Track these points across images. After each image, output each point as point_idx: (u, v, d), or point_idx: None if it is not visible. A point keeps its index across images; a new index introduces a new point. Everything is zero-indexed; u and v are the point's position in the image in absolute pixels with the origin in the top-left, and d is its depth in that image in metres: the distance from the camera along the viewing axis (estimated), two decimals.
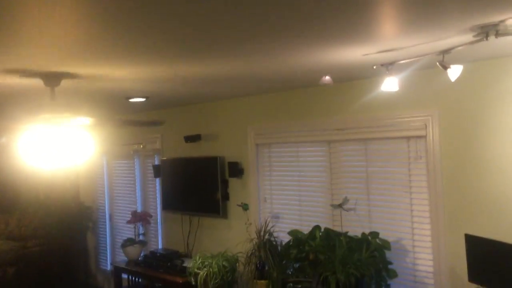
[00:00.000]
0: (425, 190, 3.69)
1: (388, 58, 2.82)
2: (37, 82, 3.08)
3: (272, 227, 4.44)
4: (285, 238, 4.33)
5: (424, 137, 3.66)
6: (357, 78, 3.90)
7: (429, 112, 3.61)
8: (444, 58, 2.51)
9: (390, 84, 2.80)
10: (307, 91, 4.38)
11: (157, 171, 5.76)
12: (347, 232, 3.91)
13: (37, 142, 3.02)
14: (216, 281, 4.44)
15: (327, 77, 3.00)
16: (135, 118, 5.42)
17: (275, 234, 4.43)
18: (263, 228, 4.38)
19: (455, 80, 2.60)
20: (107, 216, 6.79)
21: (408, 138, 3.79)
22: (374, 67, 2.88)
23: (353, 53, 2.81)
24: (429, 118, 3.61)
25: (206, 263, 4.57)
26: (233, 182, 5.04)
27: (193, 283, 4.59)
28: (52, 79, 3.05)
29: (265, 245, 4.29)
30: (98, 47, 2.47)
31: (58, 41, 2.30)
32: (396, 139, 3.86)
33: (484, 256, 3.17)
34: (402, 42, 2.55)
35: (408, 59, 2.75)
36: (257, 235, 4.39)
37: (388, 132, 3.88)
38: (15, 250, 6.19)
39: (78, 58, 2.69)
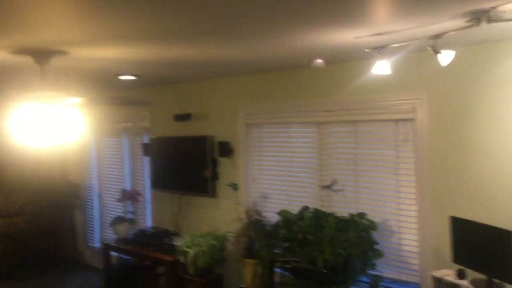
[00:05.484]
0: (412, 173, 3.76)
1: (380, 42, 2.83)
2: (27, 59, 3.03)
3: (261, 207, 4.49)
4: (274, 218, 4.38)
5: (413, 120, 3.70)
6: (347, 60, 3.91)
7: (418, 96, 3.65)
8: (436, 42, 2.53)
9: (381, 68, 2.82)
10: (297, 72, 4.38)
11: (147, 149, 5.76)
12: (335, 213, 3.97)
13: (27, 120, 2.99)
14: (206, 259, 4.49)
15: (319, 60, 3.02)
16: (125, 96, 5.36)
17: (264, 214, 4.49)
18: (253, 208, 4.43)
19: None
20: (95, 194, 6.79)
21: (397, 121, 3.83)
22: (366, 50, 2.89)
23: (345, 36, 2.81)
24: (418, 102, 3.65)
25: (196, 241, 4.61)
26: (223, 162, 5.07)
27: (183, 261, 4.64)
28: (42, 56, 3.00)
29: (254, 225, 4.34)
30: (89, 26, 2.44)
31: (50, 18, 2.25)
32: (385, 121, 3.90)
33: (468, 238, 3.25)
34: (394, 26, 2.55)
35: (400, 43, 2.76)
36: (246, 215, 4.44)
37: (377, 115, 3.92)
38: (2, 226, 6.18)
39: (68, 36, 2.65)
